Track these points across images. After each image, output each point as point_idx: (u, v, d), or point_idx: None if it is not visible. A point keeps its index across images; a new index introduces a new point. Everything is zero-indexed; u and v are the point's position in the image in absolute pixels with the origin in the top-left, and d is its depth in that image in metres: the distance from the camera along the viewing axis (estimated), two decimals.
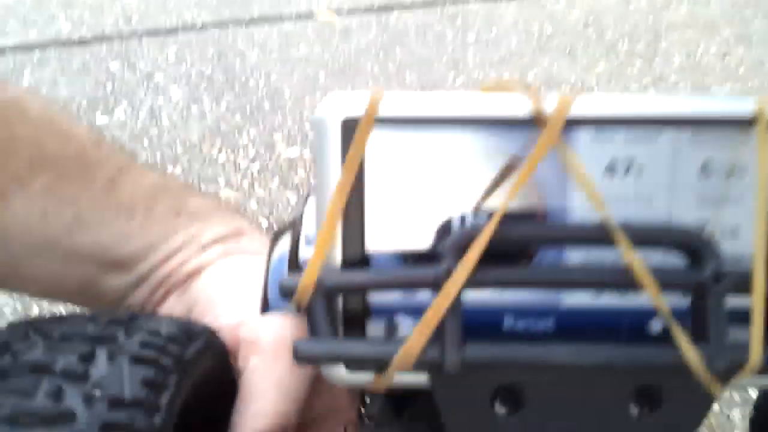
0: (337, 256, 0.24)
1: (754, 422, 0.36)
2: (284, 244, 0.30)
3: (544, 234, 0.24)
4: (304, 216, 0.29)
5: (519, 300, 0.25)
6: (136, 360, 0.25)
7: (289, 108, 2.18)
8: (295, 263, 0.28)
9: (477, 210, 0.24)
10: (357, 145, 0.23)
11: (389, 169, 0.24)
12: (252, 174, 1.88)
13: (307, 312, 0.23)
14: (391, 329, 0.25)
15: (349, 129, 0.23)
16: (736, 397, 1.15)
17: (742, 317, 0.23)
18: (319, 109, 0.23)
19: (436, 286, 0.22)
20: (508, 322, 0.25)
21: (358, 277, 0.24)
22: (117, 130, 2.09)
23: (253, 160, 1.94)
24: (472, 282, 0.22)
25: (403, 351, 0.22)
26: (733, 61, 2.42)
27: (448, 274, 0.22)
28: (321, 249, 0.23)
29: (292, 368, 0.32)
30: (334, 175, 0.23)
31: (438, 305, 0.22)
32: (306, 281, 0.23)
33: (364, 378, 0.24)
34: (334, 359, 0.23)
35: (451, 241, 0.23)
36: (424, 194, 0.24)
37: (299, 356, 0.23)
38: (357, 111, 0.23)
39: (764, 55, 2.44)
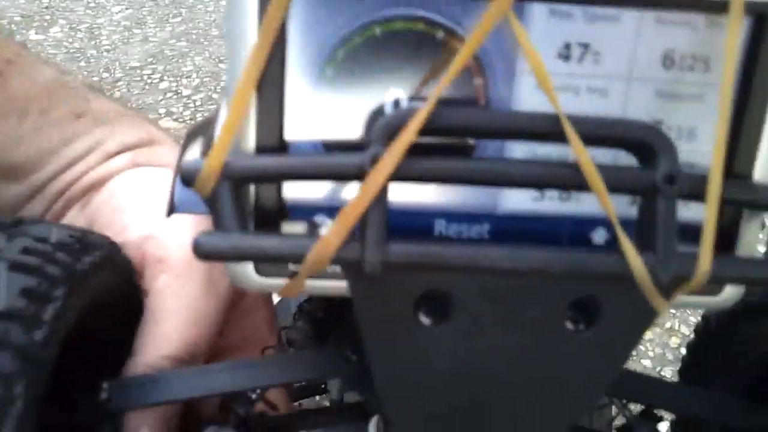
0: (250, 141, 0.21)
1: (692, 347, 0.36)
2: (198, 144, 0.26)
3: (485, 122, 0.20)
4: (221, 110, 0.25)
5: (452, 202, 0.23)
6: (15, 267, 0.23)
7: None
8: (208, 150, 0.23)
9: (414, 95, 0.22)
10: (277, 4, 0.20)
11: (316, 40, 0.21)
12: (195, 104, 1.79)
13: (212, 201, 0.20)
14: (310, 230, 0.23)
15: None
16: (669, 355, 1.14)
17: (694, 231, 0.22)
18: None
19: (360, 176, 0.20)
20: (439, 226, 0.23)
21: (270, 162, 0.21)
22: (52, 48, 1.97)
23: (197, 90, 1.85)
24: (401, 174, 0.20)
25: (319, 247, 0.20)
26: None
27: (373, 161, 0.19)
28: (230, 127, 0.20)
29: (204, 290, 0.30)
30: (249, 37, 0.20)
31: (361, 196, 0.20)
32: (211, 164, 0.20)
33: (276, 282, 0.22)
34: (240, 255, 0.20)
35: (379, 126, 0.20)
36: (355, 74, 0.21)
37: (199, 251, 0.20)
38: None
39: None
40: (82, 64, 1.93)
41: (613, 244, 0.22)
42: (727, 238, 0.23)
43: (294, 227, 0.23)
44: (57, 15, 2.16)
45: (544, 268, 0.21)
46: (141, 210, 0.32)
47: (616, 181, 0.20)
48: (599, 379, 0.23)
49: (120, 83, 1.86)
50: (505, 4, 0.19)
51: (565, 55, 0.21)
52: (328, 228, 0.20)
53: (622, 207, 0.22)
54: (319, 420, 0.35)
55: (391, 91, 0.21)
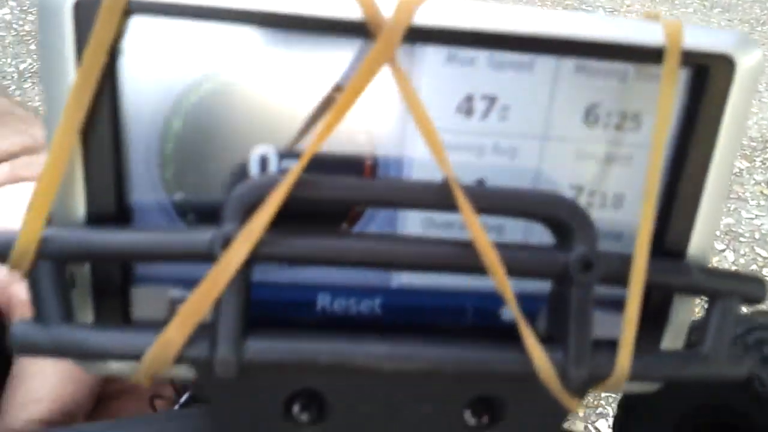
0: (80, 204, 0.17)
1: (617, 423, 0.32)
2: None
3: (365, 194, 0.17)
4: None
5: (337, 276, 0.20)
6: None
7: None
8: None
9: (287, 151, 0.18)
10: (99, 38, 0.16)
11: (156, 80, 0.17)
12: None
13: (29, 283, 0.17)
14: (169, 304, 0.19)
15: (87, 13, 0.16)
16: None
17: (611, 304, 0.20)
18: None
19: (210, 257, 0.16)
20: (322, 300, 0.20)
21: (101, 239, 0.17)
22: (1, 31, 1.89)
23: None
24: (260, 255, 0.17)
25: (158, 346, 0.17)
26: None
27: (225, 242, 0.16)
28: (47, 190, 0.16)
29: None
30: (66, 78, 0.16)
31: (210, 284, 0.16)
32: (22, 241, 0.16)
33: (124, 368, 0.19)
34: (61, 352, 0.17)
35: (233, 197, 0.16)
36: (211, 124, 0.18)
37: (14, 344, 0.17)
38: None
39: (684, 16, 2.43)
40: (33, 47, 1.86)
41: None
42: (654, 318, 0.20)
43: (146, 298, 0.19)
44: None
45: (433, 368, 0.17)
46: None
47: (519, 264, 0.17)
48: None
49: None
50: (389, 49, 0.16)
51: (466, 109, 0.18)
52: (169, 323, 0.17)
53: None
54: None
55: (257, 149, 0.18)
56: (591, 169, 0.19)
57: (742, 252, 1.42)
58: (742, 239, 1.45)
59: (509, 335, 0.18)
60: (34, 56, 1.81)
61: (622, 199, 0.19)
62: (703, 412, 0.28)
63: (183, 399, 0.32)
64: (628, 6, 2.47)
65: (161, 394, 0.31)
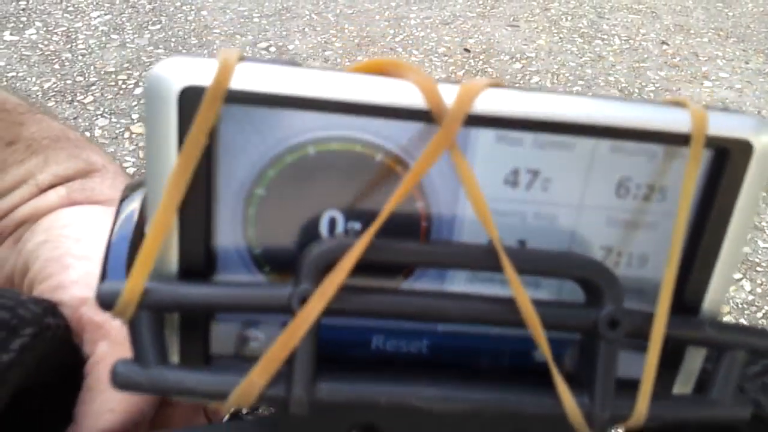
0: (174, 260, 0.20)
1: None
2: (136, 202, 0.25)
3: (423, 257, 0.20)
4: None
5: (391, 321, 0.22)
6: None
7: (216, 46, 2.07)
8: (140, 239, 0.22)
9: (351, 212, 0.20)
10: (200, 124, 0.18)
11: (244, 154, 0.20)
12: None
13: (130, 329, 0.20)
14: (242, 341, 0.22)
15: (190, 101, 0.18)
16: None
17: (632, 345, 0.22)
18: (154, 72, 0.19)
19: (288, 311, 0.19)
20: (376, 341, 0.22)
21: (192, 293, 0.19)
22: (26, 50, 1.94)
23: None
24: (331, 311, 0.19)
25: (243, 387, 0.19)
26: (671, 50, 2.41)
27: (302, 300, 0.19)
28: (149, 252, 0.19)
29: None
30: (168, 159, 0.19)
31: (289, 336, 0.19)
32: (128, 293, 0.19)
33: (203, 401, 0.21)
34: (158, 391, 0.19)
35: (309, 259, 0.19)
36: (286, 195, 0.20)
37: (116, 381, 0.19)
38: (202, 79, 0.18)
39: (699, 46, 2.45)
40: (56, 66, 1.90)
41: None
42: (669, 364, 0.22)
43: (223, 336, 0.22)
44: (34, 17, 2.12)
45: (476, 410, 0.20)
46: (76, 264, 0.30)
47: (554, 320, 0.20)
48: None
49: (94, 87, 1.83)
50: (450, 135, 0.19)
51: (512, 181, 0.21)
52: (260, 348, 0.19)
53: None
54: None
55: (327, 212, 0.20)
56: (619, 233, 0.21)
57: (759, 281, 1.43)
58: (759, 269, 1.46)
59: (541, 374, 0.21)
60: (59, 75, 1.85)
61: (646, 259, 0.22)
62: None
63: (233, 408, 0.35)
64: (643, 35, 2.50)
65: None
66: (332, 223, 0.20)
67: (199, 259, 0.20)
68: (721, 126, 0.20)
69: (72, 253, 0.30)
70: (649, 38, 2.51)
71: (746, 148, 0.20)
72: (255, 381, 0.19)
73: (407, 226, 0.21)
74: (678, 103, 0.21)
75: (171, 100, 0.18)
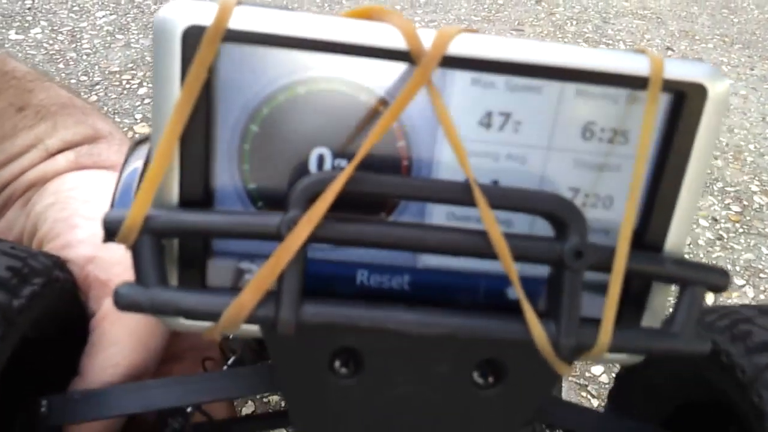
0: (174, 193, 0.22)
1: (613, 393, 0.38)
2: (142, 156, 0.27)
3: (402, 190, 0.21)
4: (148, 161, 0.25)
5: (373, 255, 0.24)
6: None
7: None
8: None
9: (339, 151, 0.22)
10: (201, 60, 0.20)
11: (240, 92, 0.21)
12: None
13: (133, 253, 0.21)
14: (237, 274, 0.23)
15: (193, 39, 0.20)
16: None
17: (600, 288, 0.23)
18: (161, 13, 0.20)
19: (278, 237, 0.20)
20: (361, 276, 0.24)
21: (191, 219, 0.21)
22: (31, 49, 1.96)
23: None
24: (317, 237, 0.21)
25: (234, 307, 0.21)
26: (675, 56, 2.43)
27: (291, 225, 0.20)
28: (152, 180, 0.21)
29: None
30: (172, 93, 0.21)
31: (277, 259, 0.20)
32: (131, 219, 0.21)
33: (200, 326, 0.22)
34: (158, 311, 0.21)
35: (298, 189, 0.21)
36: (279, 131, 0.22)
37: (119, 302, 0.21)
38: (204, 19, 0.20)
39: (704, 52, 2.46)
40: (61, 66, 1.92)
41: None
42: (635, 301, 0.24)
43: (220, 269, 0.23)
44: (39, 16, 2.14)
45: (451, 334, 0.22)
46: (84, 224, 0.31)
47: (523, 251, 0.21)
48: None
49: (98, 87, 1.85)
50: (427, 72, 0.20)
51: (486, 123, 0.22)
52: (245, 286, 0.21)
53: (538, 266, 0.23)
54: (256, 426, 0.35)
55: (315, 149, 0.22)
56: (586, 175, 0.23)
57: (762, 288, 1.43)
58: (762, 275, 1.46)
59: (514, 311, 0.22)
60: (63, 74, 1.87)
61: (611, 200, 0.23)
62: (687, 388, 0.32)
63: (230, 361, 0.36)
64: (648, 40, 2.51)
65: (211, 357, 0.34)
66: (321, 160, 0.22)
67: (197, 192, 0.22)
68: (678, 71, 0.22)
69: (80, 214, 0.31)
70: (654, 44, 2.51)
71: (701, 92, 0.22)
72: (245, 302, 0.20)
73: (389, 164, 0.22)
74: (639, 51, 0.22)
75: (175, 39, 0.20)
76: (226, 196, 0.22)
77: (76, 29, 2.10)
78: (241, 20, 0.20)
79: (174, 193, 0.22)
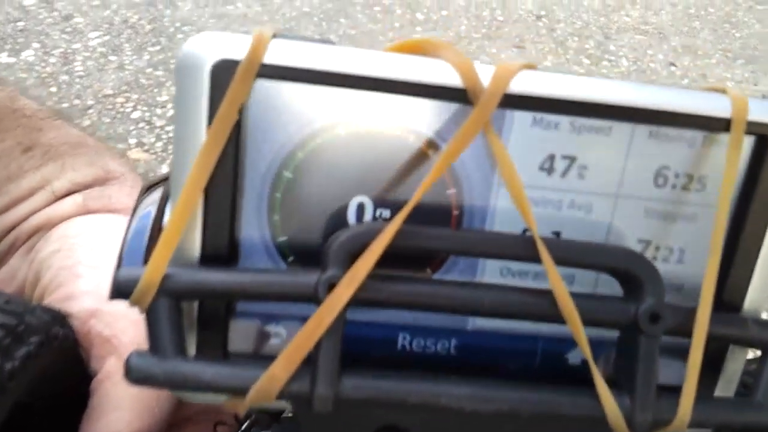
0: (195, 248, 0.19)
1: None
2: (155, 199, 0.24)
3: (457, 244, 0.19)
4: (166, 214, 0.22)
5: (417, 317, 0.21)
6: None
7: None
8: (158, 232, 0.21)
9: (380, 199, 0.20)
10: (232, 98, 0.18)
11: (274, 134, 0.19)
12: (168, 135, 1.76)
13: (148, 318, 0.18)
14: (262, 337, 0.21)
15: (223, 75, 0.18)
16: None
17: (671, 351, 0.21)
18: (186, 48, 0.18)
19: (315, 300, 0.18)
20: (402, 339, 0.21)
21: (215, 279, 0.18)
22: (22, 72, 1.93)
23: (170, 120, 1.82)
24: (360, 299, 0.18)
25: (265, 381, 0.18)
26: (679, 71, 2.42)
27: (329, 287, 0.18)
28: (171, 236, 0.18)
29: None
30: (197, 135, 0.18)
31: (314, 325, 0.18)
32: (147, 279, 0.18)
33: (219, 398, 0.20)
34: (176, 385, 0.18)
35: (337, 244, 0.18)
36: (314, 177, 0.19)
37: (131, 376, 0.18)
38: (236, 52, 0.18)
39: (707, 67, 2.46)
40: (53, 89, 1.89)
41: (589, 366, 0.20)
42: (711, 368, 0.21)
43: (244, 332, 0.20)
44: (31, 38, 2.12)
45: (511, 411, 0.19)
46: (88, 274, 0.29)
47: (593, 314, 0.19)
48: None
49: (91, 111, 1.83)
50: (485, 115, 0.18)
51: (548, 167, 0.20)
52: (282, 343, 0.18)
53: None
54: None
55: (355, 198, 0.19)
56: (657, 226, 0.21)
57: None
58: None
59: (576, 378, 0.20)
60: (55, 98, 1.84)
61: (683, 253, 0.21)
62: None
63: (244, 426, 0.34)
64: (651, 56, 2.51)
65: (224, 421, 0.32)
66: (360, 209, 0.20)
67: (222, 246, 0.19)
68: (762, 112, 0.19)
69: (84, 263, 0.29)
70: (657, 59, 2.51)
71: None
72: (277, 374, 0.18)
73: (438, 215, 0.20)
74: (717, 90, 0.20)
75: (203, 74, 0.18)
76: (252, 250, 0.20)
77: (68, 51, 2.08)
78: (278, 54, 0.18)
79: (195, 249, 0.19)
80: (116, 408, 0.27)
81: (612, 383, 0.19)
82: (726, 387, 0.22)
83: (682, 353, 0.21)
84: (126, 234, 0.24)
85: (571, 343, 0.21)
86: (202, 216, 0.19)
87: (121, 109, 1.85)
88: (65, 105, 1.83)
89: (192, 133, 0.18)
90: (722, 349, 0.21)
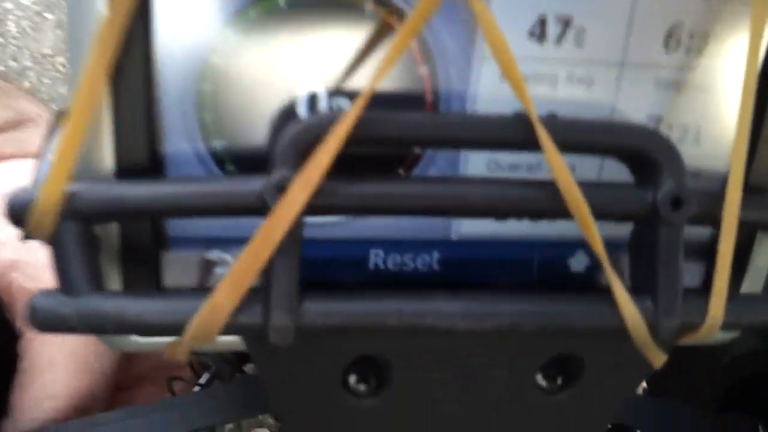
0: (107, 153, 0.15)
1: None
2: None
3: (431, 130, 0.15)
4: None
5: (391, 228, 0.18)
6: None
7: None
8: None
9: (337, 88, 0.16)
10: None
11: (196, 14, 0.15)
12: None
13: (53, 250, 0.15)
14: (204, 267, 0.17)
15: None
16: None
17: (691, 248, 0.18)
18: None
19: (262, 211, 0.14)
20: (375, 257, 0.18)
21: (134, 193, 0.15)
22: None
23: None
24: (317, 206, 0.15)
25: (204, 314, 0.15)
26: None
27: (279, 191, 0.14)
28: (71, 140, 0.14)
29: None
30: (94, 10, 0.14)
31: (262, 241, 0.14)
32: (47, 196, 0.14)
33: (159, 343, 0.17)
34: (93, 328, 0.15)
35: (286, 140, 0.14)
36: (251, 63, 0.16)
37: (37, 319, 0.15)
38: None
39: None
40: None
41: (595, 272, 0.18)
42: (737, 262, 0.19)
43: (179, 262, 0.17)
44: None
45: (513, 326, 0.16)
46: (5, 224, 0.26)
47: (604, 205, 0.16)
48: None
49: (29, 72, 1.75)
50: None
51: (538, 33, 0.16)
52: (217, 285, 0.15)
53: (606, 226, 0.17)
54: None
55: (304, 84, 0.16)
56: (669, 99, 0.17)
57: None
58: None
59: (579, 287, 0.17)
60: None
61: (698, 131, 0.18)
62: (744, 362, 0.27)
63: (203, 380, 0.31)
64: None
65: (180, 376, 0.29)
66: (313, 101, 0.16)
67: (140, 155, 0.15)
68: None
69: None
70: None
71: None
72: (220, 304, 0.15)
73: (408, 99, 0.16)
74: None
75: None
76: (181, 159, 0.16)
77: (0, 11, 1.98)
78: None
79: (107, 159, 0.15)
80: (49, 368, 0.24)
81: (631, 289, 0.16)
82: (753, 283, 0.19)
83: (698, 250, 0.18)
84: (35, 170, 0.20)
85: (572, 246, 0.18)
86: (113, 115, 0.15)
87: (63, 69, 1.77)
88: (1, 68, 1.75)
89: (87, 10, 0.14)
90: (750, 238, 0.18)
